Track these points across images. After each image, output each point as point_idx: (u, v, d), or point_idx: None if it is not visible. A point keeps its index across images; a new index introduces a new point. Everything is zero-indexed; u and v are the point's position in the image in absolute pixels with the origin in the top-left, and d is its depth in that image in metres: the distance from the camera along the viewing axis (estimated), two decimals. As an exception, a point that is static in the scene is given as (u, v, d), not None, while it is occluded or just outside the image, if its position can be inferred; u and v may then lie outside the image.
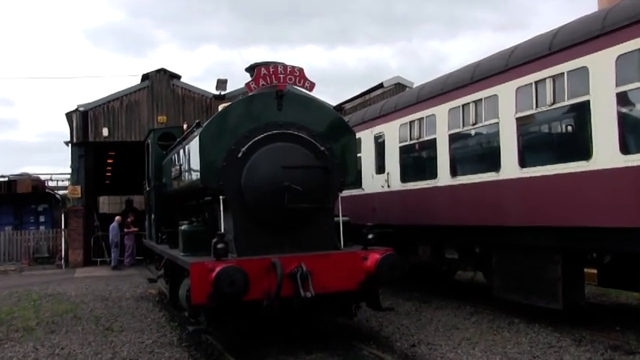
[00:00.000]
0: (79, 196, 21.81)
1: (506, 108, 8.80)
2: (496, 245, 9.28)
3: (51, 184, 32.82)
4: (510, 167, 8.69)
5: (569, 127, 8.41)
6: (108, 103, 21.88)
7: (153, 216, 12.47)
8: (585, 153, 7.46)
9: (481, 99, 9.39)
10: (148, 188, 13.23)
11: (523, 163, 8.51)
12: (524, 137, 8.65)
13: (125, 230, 21.35)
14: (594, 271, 9.06)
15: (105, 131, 21.69)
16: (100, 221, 24.32)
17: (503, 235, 8.95)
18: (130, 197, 35.15)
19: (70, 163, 22.38)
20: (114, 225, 21.25)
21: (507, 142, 8.76)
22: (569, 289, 8.06)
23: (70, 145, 22.19)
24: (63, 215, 23.37)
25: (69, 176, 24.23)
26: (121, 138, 21.90)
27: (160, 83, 22.22)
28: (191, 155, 8.39)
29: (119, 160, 29.08)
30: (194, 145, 8.05)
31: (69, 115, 21.85)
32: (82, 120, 21.61)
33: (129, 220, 21.68)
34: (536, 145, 8.85)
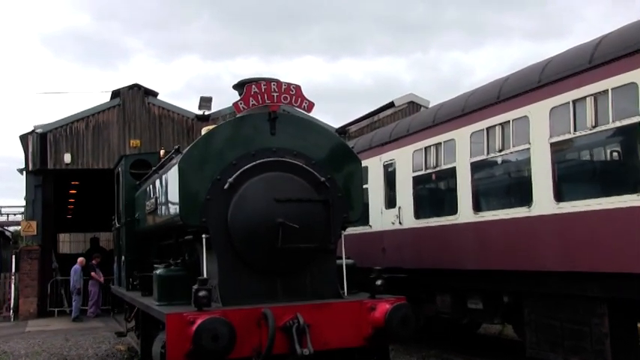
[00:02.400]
0: (35, 233, 21.72)
1: (538, 131, 8.84)
2: (529, 293, 9.22)
3: (0, 219, 32.78)
4: (544, 201, 8.68)
5: (615, 154, 8.42)
6: (71, 124, 21.96)
7: (123, 257, 12.40)
8: (636, 184, 7.45)
9: (509, 121, 9.44)
10: (117, 225, 13.19)
11: (559, 196, 8.51)
12: (561, 166, 8.66)
13: (92, 274, 21.22)
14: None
15: (67, 157, 21.73)
16: (60, 263, 24.22)
17: (537, 281, 8.90)
18: (95, 235, 35.09)
19: (24, 194, 22.36)
20: (76, 268, 21.14)
21: (540, 171, 8.77)
22: (620, 347, 7.97)
23: (24, 173, 22.19)
24: (13, 256, 23.26)
25: (22, 210, 24.20)
26: (86, 165, 21.92)
27: (133, 101, 22.36)
28: (169, 186, 8.38)
29: (84, 192, 29.08)
30: (172, 175, 8.05)
31: (24, 138, 21.90)
32: (40, 144, 21.65)
33: (94, 262, 21.58)
34: (575, 175, 8.86)
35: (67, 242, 44.35)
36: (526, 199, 9.04)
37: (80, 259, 21.98)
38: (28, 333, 17.55)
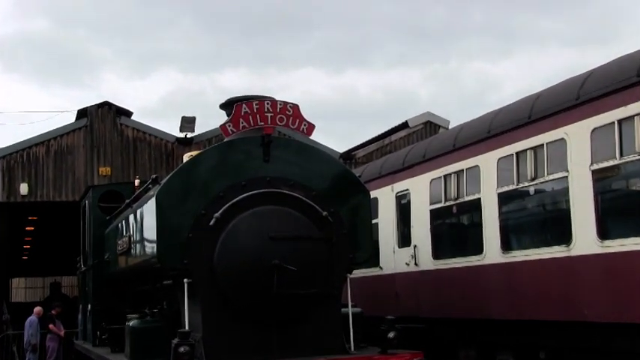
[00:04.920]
0: (-16, 278, 21.72)
1: (578, 157, 8.86)
2: (570, 348, 9.18)
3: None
4: (586, 239, 8.68)
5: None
6: (28, 148, 22.00)
7: (89, 306, 12.40)
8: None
9: (543, 145, 9.47)
10: (83, 267, 13.21)
11: (604, 233, 8.50)
12: (605, 197, 8.67)
13: (50, 327, 21.10)
14: None
15: (23, 188, 21.75)
16: (12, 314, 24.10)
17: (580, 334, 8.87)
18: (56, 279, 35.04)
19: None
20: (32, 319, 20.99)
21: (581, 204, 8.78)
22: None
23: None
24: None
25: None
26: (46, 197, 21.94)
27: (103, 122, 22.41)
28: (145, 222, 8.42)
29: (43, 229, 29.09)
30: (149, 209, 8.09)
31: (-28, 166, 21.96)
32: (-8, 172, 21.71)
33: (54, 312, 21.46)
34: (622, 207, 8.85)
35: (21, 289, 44.20)
36: (564, 236, 9.04)
37: (37, 308, 21.81)
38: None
